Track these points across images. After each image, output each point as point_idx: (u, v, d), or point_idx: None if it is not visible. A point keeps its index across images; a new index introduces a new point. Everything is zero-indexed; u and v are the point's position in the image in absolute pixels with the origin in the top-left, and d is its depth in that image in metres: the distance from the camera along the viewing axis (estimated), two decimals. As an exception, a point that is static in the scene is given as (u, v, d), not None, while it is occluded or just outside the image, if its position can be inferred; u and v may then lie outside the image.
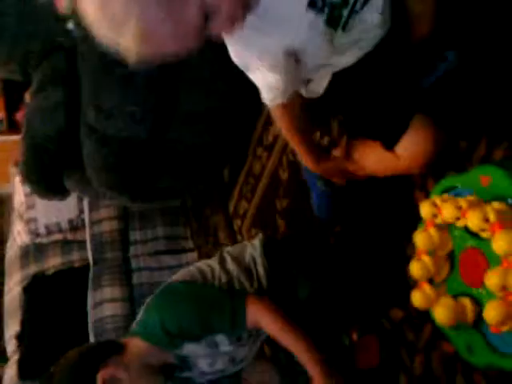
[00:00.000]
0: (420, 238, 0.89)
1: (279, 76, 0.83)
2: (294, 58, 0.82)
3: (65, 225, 2.74)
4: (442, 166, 0.97)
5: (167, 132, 1.72)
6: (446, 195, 0.87)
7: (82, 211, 2.70)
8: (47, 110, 1.88)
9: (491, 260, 0.80)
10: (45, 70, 1.89)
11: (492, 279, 0.77)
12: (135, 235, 2.57)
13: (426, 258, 0.88)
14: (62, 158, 1.95)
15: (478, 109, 0.91)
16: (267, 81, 0.84)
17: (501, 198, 0.79)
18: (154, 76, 1.59)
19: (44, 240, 2.60)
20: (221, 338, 1.12)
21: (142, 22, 0.66)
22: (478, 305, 0.83)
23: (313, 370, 1.08)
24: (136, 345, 1.11)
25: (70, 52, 1.85)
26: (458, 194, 0.87)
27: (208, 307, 1.12)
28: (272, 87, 0.85)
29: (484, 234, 0.80)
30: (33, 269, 2.53)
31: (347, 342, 1.17)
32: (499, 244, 0.76)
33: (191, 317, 1.10)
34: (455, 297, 0.86)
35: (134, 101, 1.65)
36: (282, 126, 0.97)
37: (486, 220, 0.77)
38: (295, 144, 1.00)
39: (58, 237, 2.66)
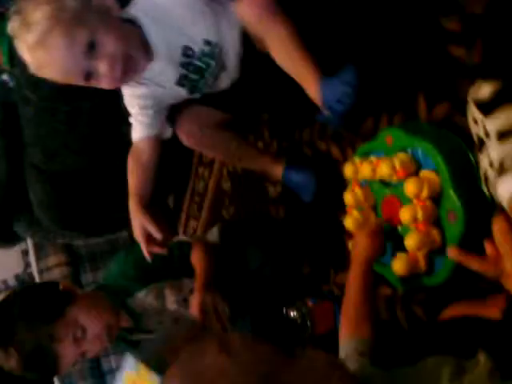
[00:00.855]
0: (348, 197, 1.09)
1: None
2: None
3: (12, 281, 2.73)
4: (356, 140, 1.18)
5: (112, 161, 1.84)
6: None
7: (28, 264, 2.70)
8: (-12, 160, 1.95)
9: (403, 200, 1.00)
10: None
11: (405, 214, 0.96)
12: (87, 278, 2.60)
13: (355, 212, 1.08)
14: (9, 204, 2.01)
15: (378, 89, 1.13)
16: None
17: (403, 150, 0.99)
18: (97, 113, 1.73)
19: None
20: (168, 294, 1.24)
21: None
22: (401, 239, 1.01)
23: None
24: (93, 295, 1.23)
25: (7, 103, 1.95)
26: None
27: None
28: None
29: (394, 181, 1.00)
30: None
31: (304, 310, 1.31)
32: (409, 189, 0.96)
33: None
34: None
35: (78, 137, 1.77)
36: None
37: (394, 168, 0.98)
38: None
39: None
